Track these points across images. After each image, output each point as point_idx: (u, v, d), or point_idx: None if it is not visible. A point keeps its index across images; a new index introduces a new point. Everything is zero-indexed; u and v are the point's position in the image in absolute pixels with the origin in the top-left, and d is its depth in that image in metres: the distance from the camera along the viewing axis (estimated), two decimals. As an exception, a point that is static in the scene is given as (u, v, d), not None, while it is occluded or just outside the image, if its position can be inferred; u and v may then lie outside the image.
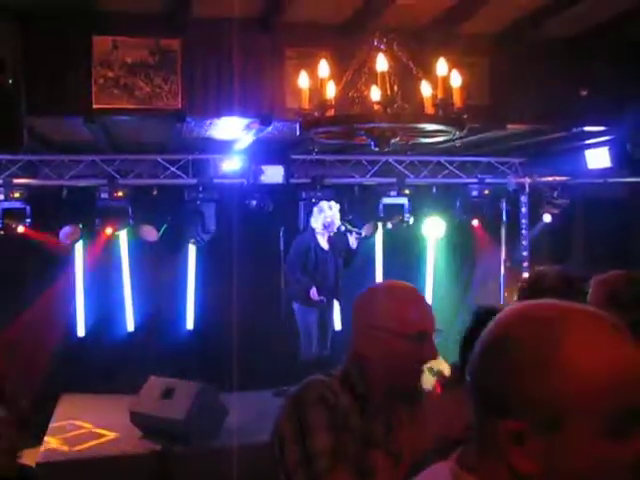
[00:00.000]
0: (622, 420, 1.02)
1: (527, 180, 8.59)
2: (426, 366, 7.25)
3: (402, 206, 8.27)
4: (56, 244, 7.75)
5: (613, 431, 1.02)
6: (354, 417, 2.08)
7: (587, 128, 6.87)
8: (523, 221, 8.73)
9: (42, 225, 7.65)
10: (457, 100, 3.90)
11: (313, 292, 7.44)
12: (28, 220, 7.44)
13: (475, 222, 8.77)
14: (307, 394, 2.08)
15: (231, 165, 7.73)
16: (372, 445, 2.05)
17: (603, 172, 7.74)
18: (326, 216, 7.59)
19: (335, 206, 7.68)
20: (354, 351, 2.18)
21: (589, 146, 7.68)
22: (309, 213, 7.86)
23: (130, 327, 8.30)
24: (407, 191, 8.15)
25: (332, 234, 7.67)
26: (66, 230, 7.73)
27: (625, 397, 1.03)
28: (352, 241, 7.70)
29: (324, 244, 7.71)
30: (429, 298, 9.16)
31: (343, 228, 7.64)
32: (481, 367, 1.12)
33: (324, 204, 7.66)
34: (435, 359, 2.16)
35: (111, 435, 6.50)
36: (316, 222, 7.67)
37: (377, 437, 2.08)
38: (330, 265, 7.63)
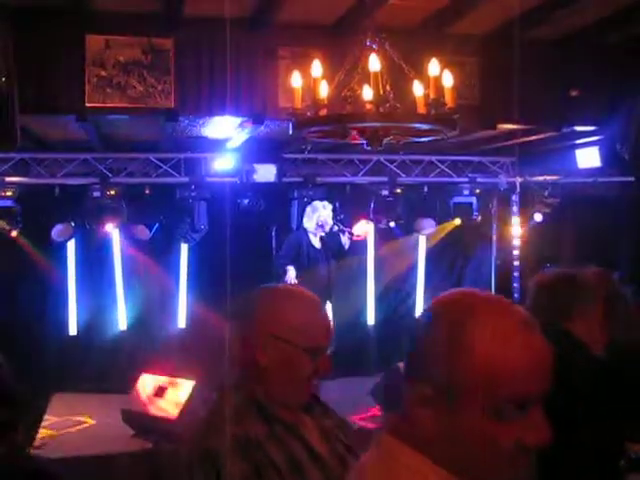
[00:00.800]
0: (506, 405, 1.12)
1: (518, 179, 8.65)
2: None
3: (395, 205, 8.30)
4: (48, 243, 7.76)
5: (498, 413, 1.12)
6: (272, 448, 1.87)
7: (577, 128, 6.93)
8: (514, 220, 8.79)
9: (34, 224, 7.65)
10: (449, 100, 3.93)
11: (289, 275, 7.40)
12: (19, 219, 7.43)
13: (461, 221, 8.81)
14: (219, 447, 1.81)
15: (223, 164, 7.75)
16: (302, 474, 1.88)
17: (593, 171, 7.81)
18: (320, 216, 7.61)
19: (328, 206, 7.71)
20: (250, 360, 1.96)
21: (579, 146, 7.74)
22: (301, 212, 7.88)
23: (122, 326, 8.31)
24: (399, 190, 8.18)
25: (325, 234, 7.68)
26: (58, 228, 7.73)
27: (513, 385, 1.12)
28: (345, 241, 7.73)
29: (316, 244, 7.73)
30: (420, 297, 9.20)
31: (336, 228, 7.66)
32: (413, 338, 1.25)
33: (318, 204, 7.69)
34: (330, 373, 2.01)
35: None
36: (309, 222, 7.69)
37: (304, 464, 1.89)
38: (322, 265, 7.63)
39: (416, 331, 1.25)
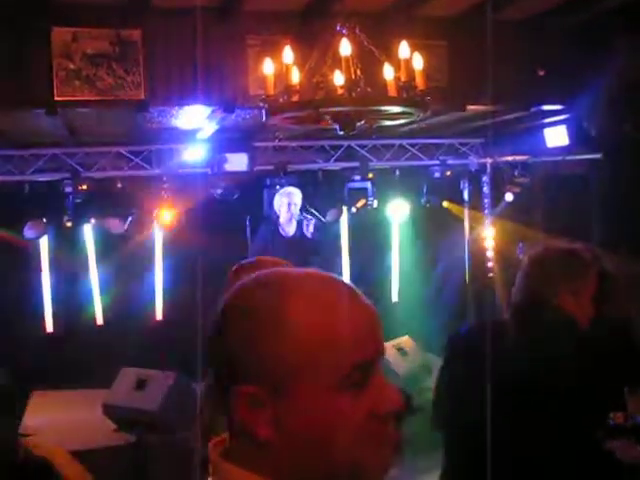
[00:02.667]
0: (351, 374, 1.01)
1: (488, 160, 8.73)
2: (394, 344, 7.29)
3: (366, 190, 8.34)
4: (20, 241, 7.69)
5: (344, 385, 1.00)
6: None
7: (545, 107, 7.02)
8: (485, 200, 8.89)
9: (5, 222, 7.58)
10: (420, 82, 3.98)
11: None
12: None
13: (445, 204, 8.89)
14: None
15: (194, 154, 7.73)
16: None
17: (562, 150, 7.91)
18: (282, 203, 7.55)
19: (294, 192, 7.64)
20: None
21: (547, 125, 7.83)
22: (271, 200, 7.86)
23: (99, 320, 8.28)
24: (370, 175, 8.22)
25: (294, 221, 7.64)
26: (30, 225, 7.67)
27: (346, 351, 1.01)
28: (309, 228, 7.66)
29: (289, 231, 7.71)
30: (395, 279, 9.27)
31: (307, 215, 7.65)
32: (216, 337, 1.08)
33: (283, 190, 7.65)
34: None
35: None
36: (277, 209, 7.64)
37: None
38: (292, 254, 7.54)
39: (216, 328, 1.08)
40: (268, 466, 1.02)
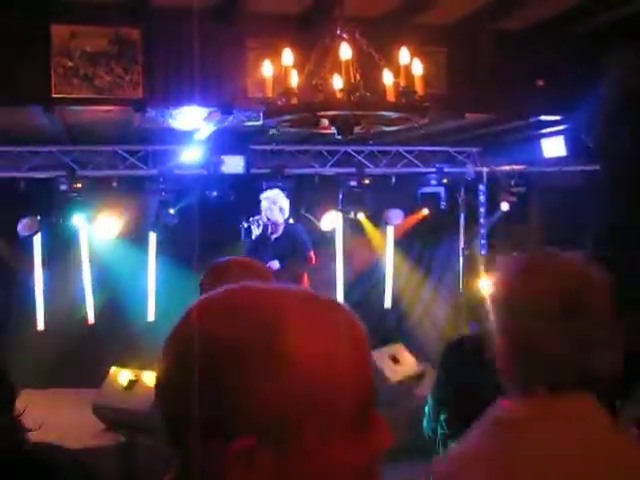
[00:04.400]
0: (357, 414, 0.90)
1: (485, 169, 8.74)
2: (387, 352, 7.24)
3: (362, 196, 8.33)
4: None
5: (351, 428, 0.89)
6: None
7: (543, 118, 7.03)
8: (481, 209, 8.89)
9: (-1, 218, 7.57)
10: (419, 88, 3.97)
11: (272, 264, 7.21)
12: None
13: (428, 211, 8.89)
14: None
15: (191, 155, 7.72)
16: None
17: (559, 161, 7.92)
18: (266, 206, 7.40)
19: (277, 195, 7.46)
20: None
21: (545, 135, 7.85)
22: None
23: (91, 319, 8.25)
24: (367, 181, 8.22)
25: (280, 223, 7.46)
26: (24, 222, 7.64)
27: (354, 389, 0.90)
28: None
29: (276, 233, 7.52)
30: (389, 285, 9.25)
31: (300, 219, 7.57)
32: (186, 378, 0.87)
33: (267, 193, 7.49)
34: None
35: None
36: (263, 211, 7.52)
37: None
38: (282, 258, 7.40)
39: (185, 364, 0.87)
40: None
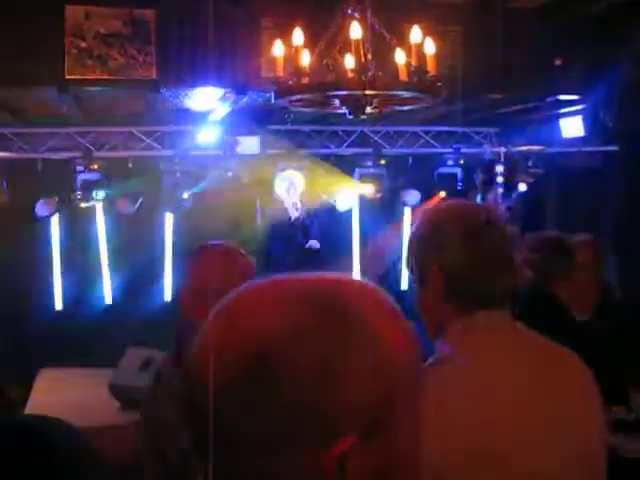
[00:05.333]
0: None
1: (502, 149, 8.67)
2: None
3: (380, 177, 8.30)
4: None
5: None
6: None
7: (561, 97, 6.95)
8: (499, 190, 8.83)
9: (17, 199, 7.63)
10: (431, 67, 3.95)
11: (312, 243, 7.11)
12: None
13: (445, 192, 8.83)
14: None
15: (207, 136, 7.73)
16: None
17: (577, 141, 7.84)
18: (281, 187, 7.35)
19: (294, 175, 7.40)
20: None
21: (563, 115, 7.76)
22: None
23: (108, 299, 8.32)
24: (383, 161, 8.19)
25: (298, 205, 7.47)
26: (42, 203, 7.71)
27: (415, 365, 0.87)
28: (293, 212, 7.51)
29: (292, 215, 7.53)
30: (404, 267, 9.22)
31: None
32: (246, 399, 0.78)
33: (283, 173, 7.44)
34: None
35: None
36: (277, 192, 7.46)
37: None
38: (296, 240, 7.38)
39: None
40: None
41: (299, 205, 7.39)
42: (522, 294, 2.69)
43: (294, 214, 7.45)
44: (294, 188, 7.34)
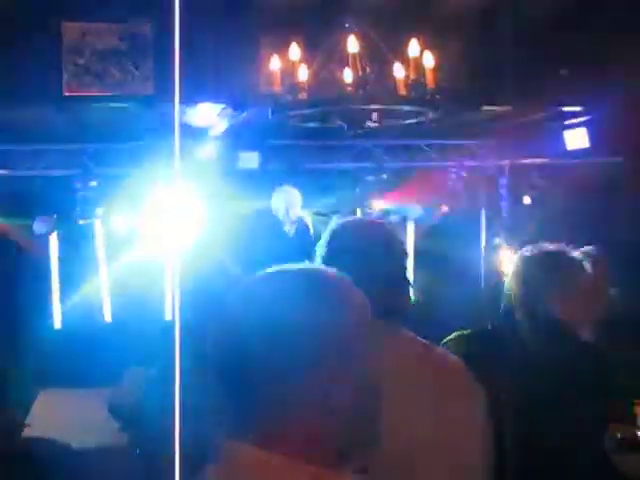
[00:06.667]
0: None
1: (506, 162, 8.65)
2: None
3: (380, 191, 8.29)
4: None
5: None
6: None
7: (565, 108, 6.94)
8: (503, 204, 8.80)
9: (15, 216, 7.62)
10: (430, 81, 3.94)
11: None
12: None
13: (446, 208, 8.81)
14: None
15: (207, 152, 7.72)
16: None
17: (581, 153, 7.82)
18: (279, 203, 7.28)
19: (291, 192, 7.37)
20: None
21: (567, 127, 7.74)
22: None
23: (107, 318, 8.30)
24: (384, 176, 8.18)
25: (293, 225, 7.39)
26: (40, 221, 7.70)
27: None
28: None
29: (289, 231, 7.46)
30: (412, 279, 9.18)
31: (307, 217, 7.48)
32: None
33: (284, 190, 7.38)
34: None
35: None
36: (274, 208, 7.41)
37: None
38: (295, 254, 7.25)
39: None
40: None
41: (294, 219, 7.29)
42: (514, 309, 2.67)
43: (289, 228, 7.36)
44: (295, 204, 7.25)
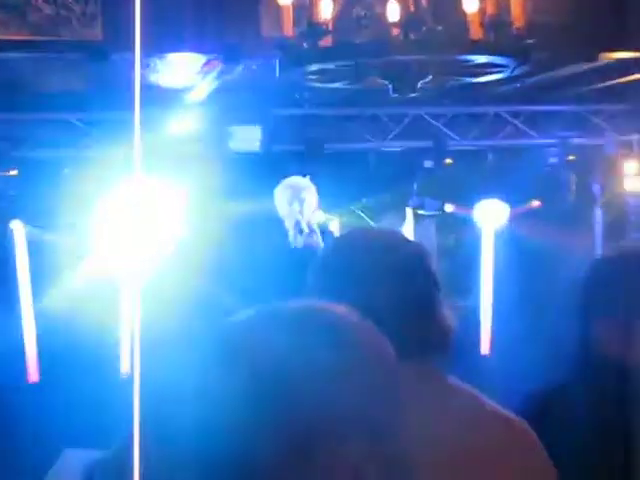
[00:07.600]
0: None
1: (635, 137, 8.66)
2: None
3: (443, 183, 8.33)
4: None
5: None
6: None
7: None
8: (628, 198, 8.81)
9: None
10: (517, 17, 3.94)
11: None
12: None
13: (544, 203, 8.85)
14: None
15: (182, 125, 7.77)
16: None
17: None
18: (283, 201, 7.35)
19: (303, 185, 7.42)
20: None
21: None
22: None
23: (33, 376, 8.38)
24: (449, 160, 8.21)
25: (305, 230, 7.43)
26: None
27: None
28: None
29: (297, 242, 7.50)
30: (488, 307, 9.16)
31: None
32: None
33: (286, 181, 7.41)
34: None
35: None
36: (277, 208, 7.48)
37: None
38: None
39: None
40: None
41: (305, 227, 7.29)
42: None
43: (298, 239, 7.35)
44: (300, 202, 7.19)
